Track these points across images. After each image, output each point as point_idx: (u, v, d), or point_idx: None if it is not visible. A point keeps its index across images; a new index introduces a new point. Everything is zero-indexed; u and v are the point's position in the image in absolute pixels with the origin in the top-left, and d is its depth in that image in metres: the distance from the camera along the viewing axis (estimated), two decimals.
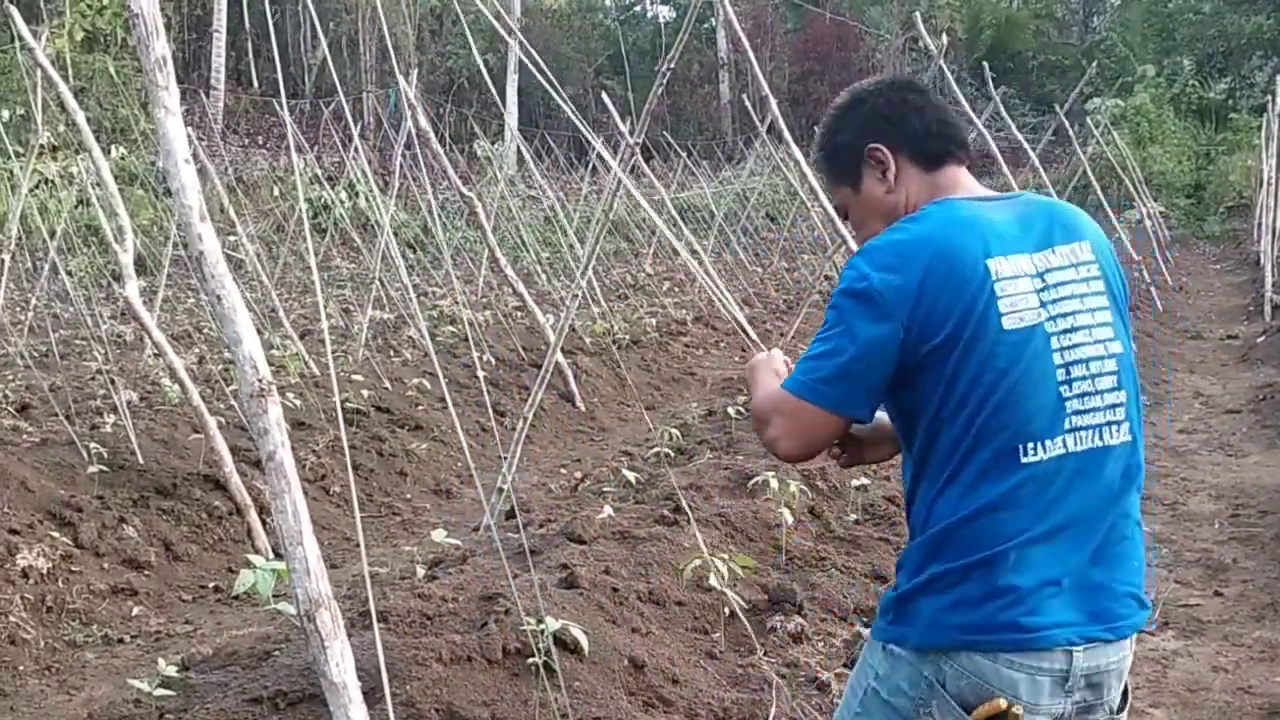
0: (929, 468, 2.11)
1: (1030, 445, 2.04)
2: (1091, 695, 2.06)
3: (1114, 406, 2.11)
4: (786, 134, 8.00)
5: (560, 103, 4.74)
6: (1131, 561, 2.13)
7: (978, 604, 2.02)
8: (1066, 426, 2.06)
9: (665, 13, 41.60)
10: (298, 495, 2.40)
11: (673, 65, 6.25)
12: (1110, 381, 2.11)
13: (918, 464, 2.15)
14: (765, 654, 4.23)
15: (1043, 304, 2.08)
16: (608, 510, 5.34)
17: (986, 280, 2.05)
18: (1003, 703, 1.99)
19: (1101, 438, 2.09)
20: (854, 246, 7.94)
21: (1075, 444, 2.07)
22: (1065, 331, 2.09)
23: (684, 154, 23.42)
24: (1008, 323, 2.04)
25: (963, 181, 2.26)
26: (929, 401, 2.08)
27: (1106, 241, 2.25)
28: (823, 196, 8.61)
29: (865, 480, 6.05)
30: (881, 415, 2.28)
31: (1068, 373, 2.07)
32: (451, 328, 12.05)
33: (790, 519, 5.32)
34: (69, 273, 10.91)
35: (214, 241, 2.40)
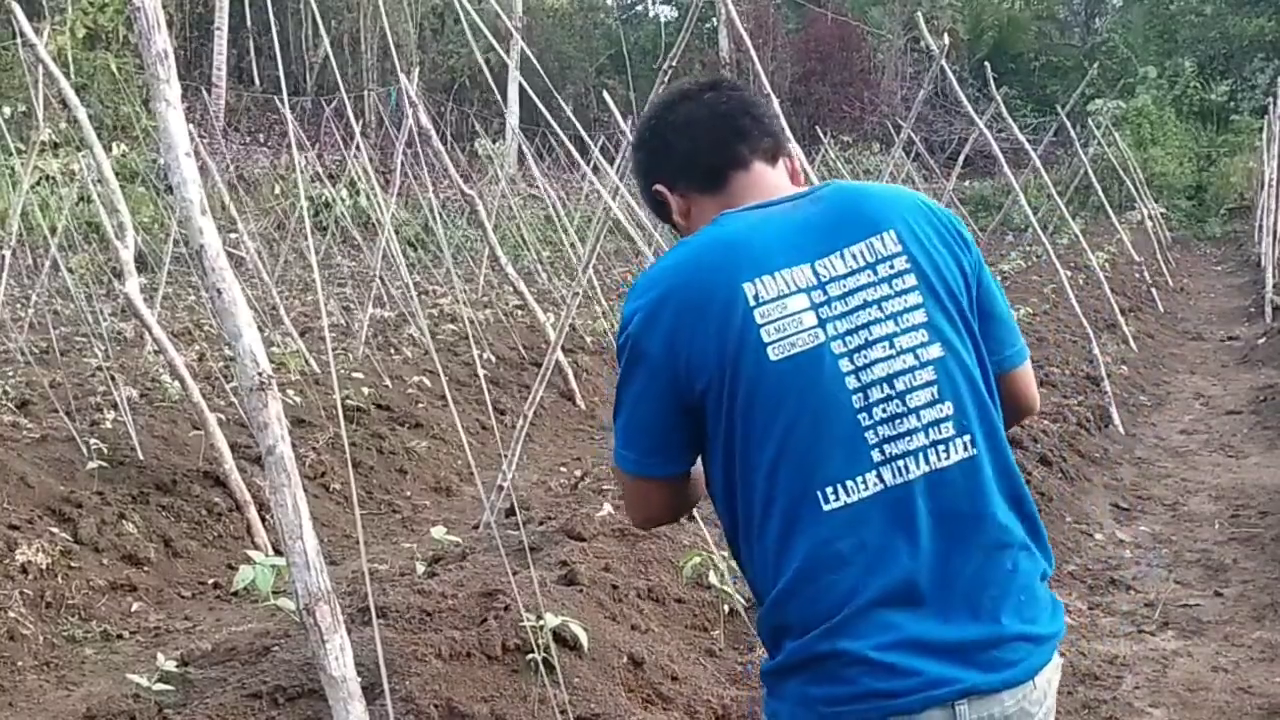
0: (738, 529, 1.87)
1: (830, 490, 1.76)
2: None
3: (937, 423, 1.80)
4: (788, 133, 7.99)
5: (562, 103, 4.74)
6: (1017, 597, 1.82)
7: (837, 676, 1.77)
8: (877, 459, 1.78)
9: (667, 12, 41.63)
10: (298, 489, 2.40)
11: (674, 64, 6.24)
12: (927, 395, 1.80)
13: (727, 524, 1.92)
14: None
15: (822, 322, 1.79)
16: (607, 508, 5.33)
17: (740, 307, 1.79)
18: None
19: (927, 462, 1.79)
20: None
21: (894, 477, 1.78)
22: (859, 349, 1.80)
23: None
24: (774, 353, 1.77)
25: (758, 188, 1.97)
26: (715, 454, 1.85)
27: (930, 222, 1.92)
28: None
29: None
30: None
31: (865, 397, 1.78)
32: (452, 326, 12.05)
33: None
34: (70, 269, 10.92)
35: (215, 236, 2.40)
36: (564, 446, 9.31)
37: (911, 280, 1.84)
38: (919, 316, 1.83)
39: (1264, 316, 13.91)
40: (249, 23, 29.73)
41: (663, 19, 40.90)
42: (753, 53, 8.40)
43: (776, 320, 1.79)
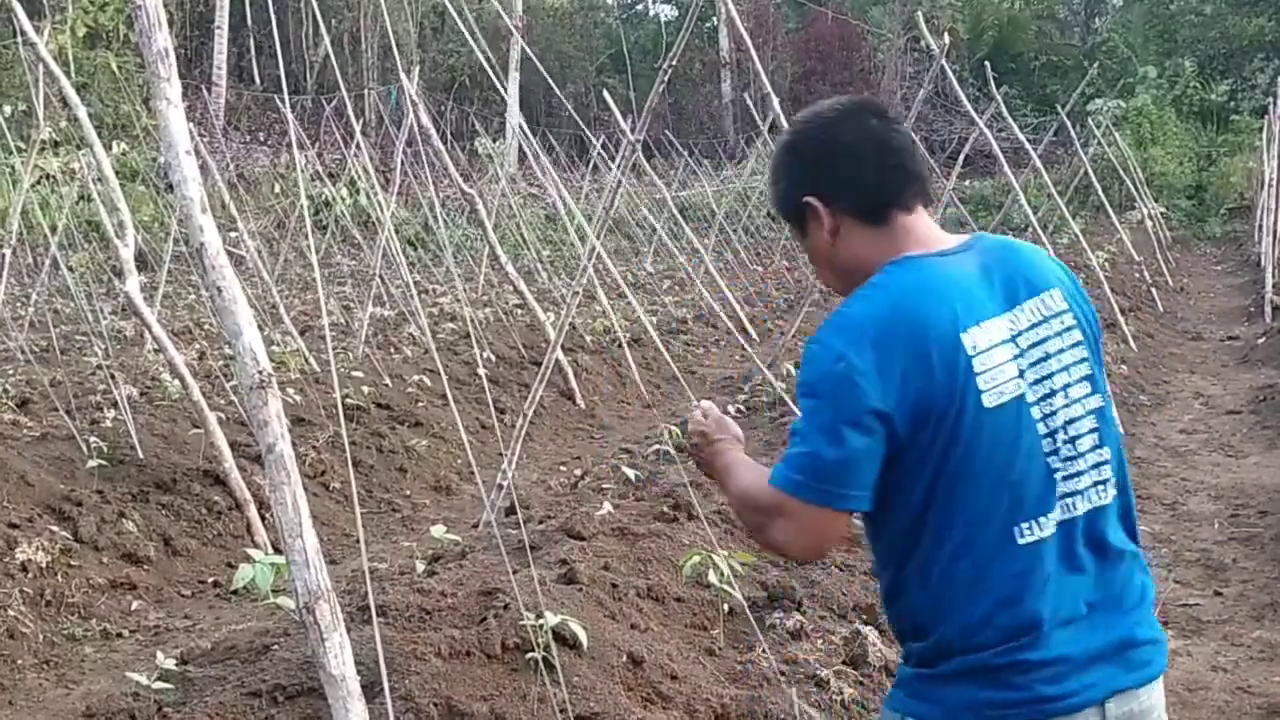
0: (913, 559, 1.98)
1: (1025, 526, 1.93)
2: None
3: (1098, 465, 2.00)
4: None
5: (563, 100, 4.74)
6: (1146, 609, 2.05)
7: (1009, 683, 1.93)
8: (1058, 495, 1.96)
9: (667, 11, 41.62)
10: (297, 488, 2.40)
11: (674, 63, 6.25)
12: (1092, 440, 2.00)
13: (899, 554, 2.01)
14: (764, 651, 4.22)
15: (1021, 373, 1.94)
16: (607, 507, 5.34)
17: (962, 357, 1.91)
18: None
19: (1091, 501, 1.99)
20: None
21: (1065, 513, 1.96)
22: (1045, 398, 1.96)
23: (685, 153, 23.43)
24: (988, 400, 1.91)
25: (916, 232, 2.05)
26: (912, 491, 1.94)
27: (1072, 278, 2.11)
28: None
29: None
30: None
31: (1053, 441, 1.96)
32: (452, 325, 12.05)
33: None
34: (70, 268, 10.92)
35: (215, 234, 2.40)
36: (564, 445, 9.31)
37: (1078, 335, 2.02)
38: (1084, 369, 2.01)
39: (1264, 316, 13.90)
40: (249, 21, 29.77)
41: (663, 18, 40.91)
42: (753, 52, 8.42)
43: (990, 370, 1.92)
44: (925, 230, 2.06)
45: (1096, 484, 1.99)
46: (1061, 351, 1.99)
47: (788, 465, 1.99)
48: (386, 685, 2.70)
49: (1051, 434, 1.95)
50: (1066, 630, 1.94)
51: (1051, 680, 1.92)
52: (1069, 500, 1.96)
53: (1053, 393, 1.96)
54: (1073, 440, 1.97)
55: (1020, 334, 1.96)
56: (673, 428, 7.73)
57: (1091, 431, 2.00)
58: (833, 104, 2.14)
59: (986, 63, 14.54)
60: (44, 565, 5.63)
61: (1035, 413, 1.95)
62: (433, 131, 8.71)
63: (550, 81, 5.11)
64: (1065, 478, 1.97)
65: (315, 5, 3.78)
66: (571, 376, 10.24)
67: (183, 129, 2.36)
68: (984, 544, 1.93)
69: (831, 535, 2.03)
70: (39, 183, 14.07)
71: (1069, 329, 2.01)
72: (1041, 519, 1.94)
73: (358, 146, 13.13)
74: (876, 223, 2.04)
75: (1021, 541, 1.93)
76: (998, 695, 1.93)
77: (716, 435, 2.31)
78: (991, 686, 1.93)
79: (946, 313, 1.93)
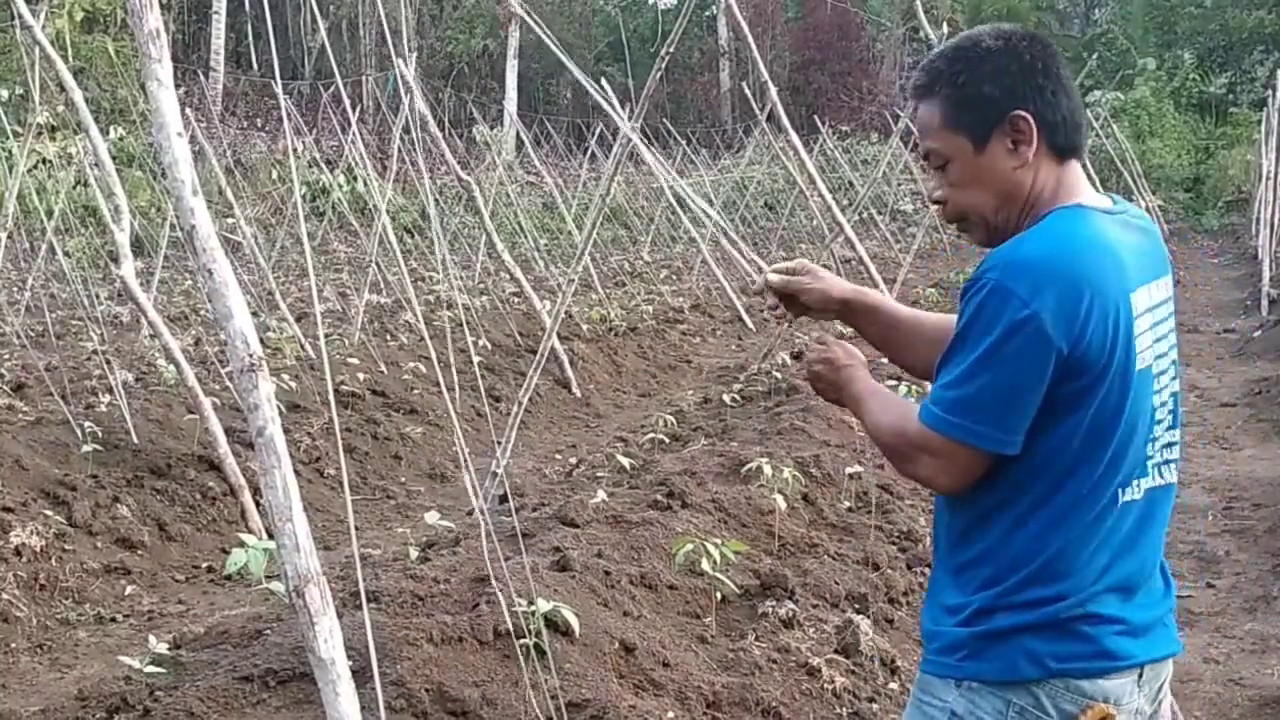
0: (1026, 507, 2.00)
1: (1130, 487, 2.01)
2: (1153, 690, 2.14)
3: (1171, 445, 2.09)
4: (786, 122, 7.99)
5: (565, 84, 4.72)
6: (1172, 588, 2.18)
7: (1076, 634, 1.98)
8: (1148, 467, 2.04)
9: None
10: (288, 472, 2.39)
11: (671, 50, 6.24)
12: (1170, 419, 2.09)
13: (1007, 500, 2.01)
14: (756, 639, 4.23)
15: (1152, 342, 2.02)
16: (601, 495, 5.34)
17: (1131, 315, 1.95)
18: (1103, 707, 2.00)
19: (1162, 475, 2.08)
20: (851, 235, 7.94)
21: (1152, 483, 2.06)
22: (1162, 372, 2.05)
23: (684, 141, 23.39)
24: (1139, 362, 1.97)
25: (1080, 178, 2.08)
26: (1052, 437, 1.95)
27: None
28: (821, 185, 8.61)
29: (859, 468, 6.06)
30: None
31: (1155, 414, 2.04)
32: (448, 312, 12.03)
33: (783, 505, 5.32)
34: (66, 253, 10.88)
35: (205, 216, 2.39)
36: (559, 434, 9.31)
37: (1173, 322, 2.12)
38: (1174, 354, 2.11)
39: (1260, 309, 13.91)
40: (247, 7, 29.72)
41: (661, 6, 40.82)
42: (751, 41, 8.41)
43: (1142, 334, 1.98)
44: (1084, 180, 2.10)
45: (1169, 461, 2.09)
46: (1169, 334, 2.08)
47: (943, 407, 1.97)
48: (376, 670, 2.70)
49: (1156, 406, 2.04)
50: (1128, 595, 2.03)
51: (1116, 636, 2.00)
52: (1153, 475, 2.05)
53: (1163, 371, 2.05)
54: (1164, 419, 2.06)
55: (1155, 306, 2.03)
56: (668, 417, 7.73)
57: (1172, 412, 2.09)
58: (1039, 39, 2.11)
59: None
60: (38, 549, 5.63)
61: (1154, 384, 2.02)
62: (429, 117, 8.69)
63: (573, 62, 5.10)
64: (1158, 451, 2.06)
65: None
66: (567, 365, 10.24)
67: (174, 110, 2.35)
68: (1099, 498, 1.98)
69: (978, 470, 2.02)
70: (36, 167, 14.05)
71: (1171, 314, 2.10)
72: (1137, 482, 2.02)
73: (355, 133, 13.12)
74: (1063, 161, 2.06)
75: (1123, 500, 2.00)
76: (1064, 647, 1.97)
77: (844, 362, 2.29)
78: (1059, 639, 1.97)
79: (1119, 273, 1.95)
